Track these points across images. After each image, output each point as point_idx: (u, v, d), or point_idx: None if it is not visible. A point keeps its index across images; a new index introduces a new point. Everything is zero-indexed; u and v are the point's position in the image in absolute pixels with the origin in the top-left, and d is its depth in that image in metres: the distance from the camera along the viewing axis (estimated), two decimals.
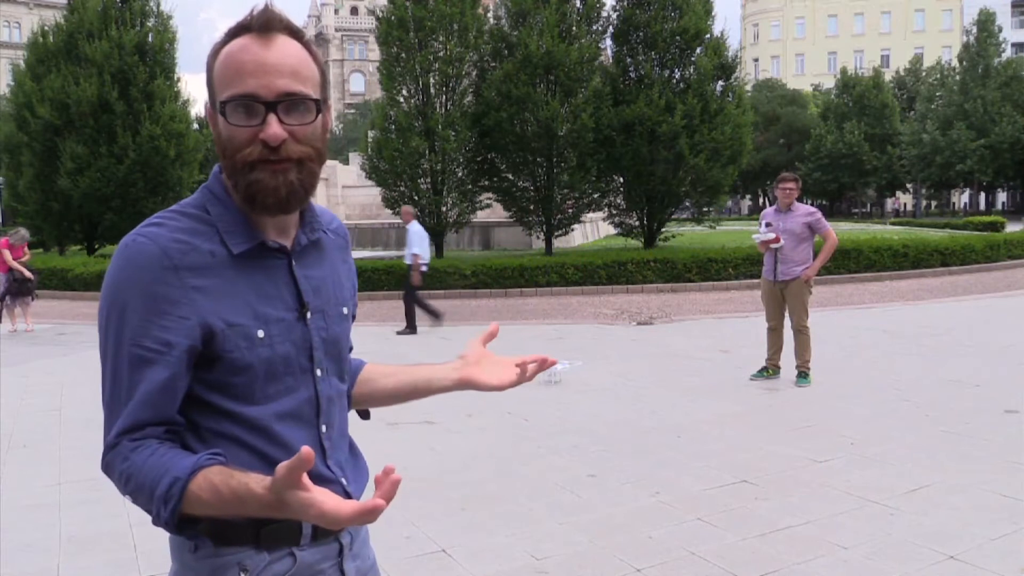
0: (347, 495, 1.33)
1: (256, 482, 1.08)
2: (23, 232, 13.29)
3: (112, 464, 1.18)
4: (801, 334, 7.16)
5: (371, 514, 1.02)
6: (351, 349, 1.52)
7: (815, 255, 7.24)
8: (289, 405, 1.24)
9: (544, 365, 1.46)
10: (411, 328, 11.13)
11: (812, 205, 8.18)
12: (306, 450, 0.99)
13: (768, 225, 7.21)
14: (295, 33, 1.22)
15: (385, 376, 1.51)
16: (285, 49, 1.19)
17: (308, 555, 1.29)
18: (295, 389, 1.26)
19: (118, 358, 1.18)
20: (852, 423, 5.90)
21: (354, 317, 1.46)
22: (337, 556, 1.34)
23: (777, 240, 7.08)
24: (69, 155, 21.06)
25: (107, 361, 1.20)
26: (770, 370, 7.39)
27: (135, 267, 1.17)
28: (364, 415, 1.56)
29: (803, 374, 7.16)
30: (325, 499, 1.03)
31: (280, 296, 1.26)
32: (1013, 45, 61.07)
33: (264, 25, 1.18)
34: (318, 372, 1.30)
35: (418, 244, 11.08)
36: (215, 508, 1.12)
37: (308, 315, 1.29)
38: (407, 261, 11.24)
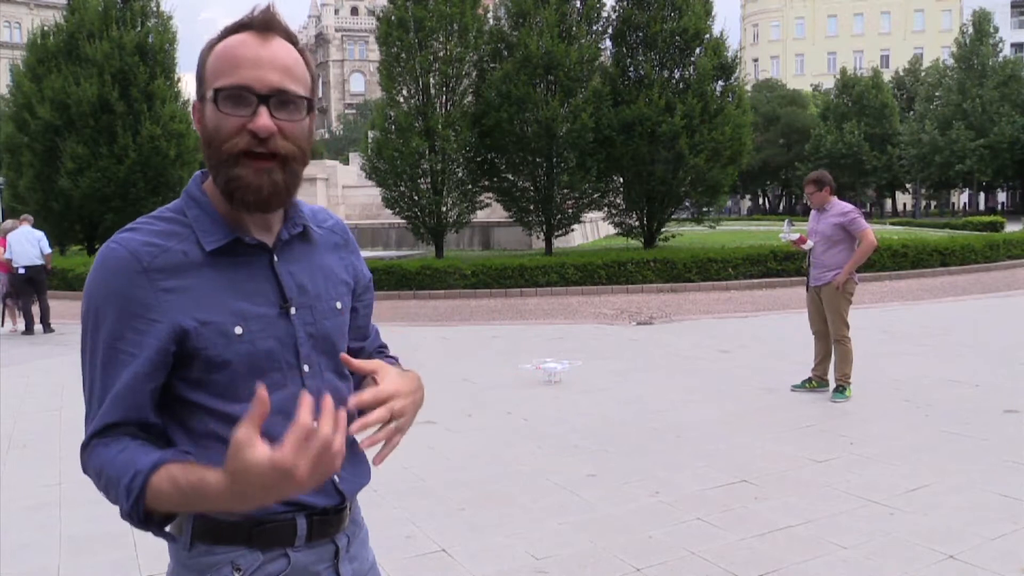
0: (338, 493, 1.32)
1: (213, 471, 1.07)
2: (6, 224, 13.39)
3: (87, 463, 1.22)
4: (839, 344, 6.58)
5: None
6: (383, 347, 1.54)
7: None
8: (275, 401, 1.22)
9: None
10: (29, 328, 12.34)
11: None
12: (261, 394, 1.01)
13: (792, 224, 6.81)
14: (291, 39, 1.26)
15: None
16: (281, 48, 1.23)
17: (303, 556, 1.29)
18: (282, 385, 1.26)
19: (94, 361, 1.22)
20: (852, 423, 5.90)
21: (356, 310, 1.45)
22: (333, 558, 1.34)
23: (803, 241, 6.70)
24: (69, 155, 21.06)
25: (85, 365, 1.25)
26: (813, 381, 6.84)
27: (107, 272, 1.21)
28: None
29: (840, 388, 6.55)
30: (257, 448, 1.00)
31: (261, 292, 1.26)
32: (1012, 45, 61.10)
33: (264, 24, 1.22)
34: (305, 368, 1.29)
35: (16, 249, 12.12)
36: (175, 501, 1.13)
37: (292, 311, 1.28)
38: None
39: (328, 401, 1.03)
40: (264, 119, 1.18)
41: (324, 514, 1.31)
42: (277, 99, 1.20)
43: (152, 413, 1.23)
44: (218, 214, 1.26)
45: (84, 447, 1.22)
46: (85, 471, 1.24)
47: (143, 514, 1.15)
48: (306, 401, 1.03)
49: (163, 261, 1.21)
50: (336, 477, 1.32)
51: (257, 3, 1.26)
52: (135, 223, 1.27)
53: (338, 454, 1.03)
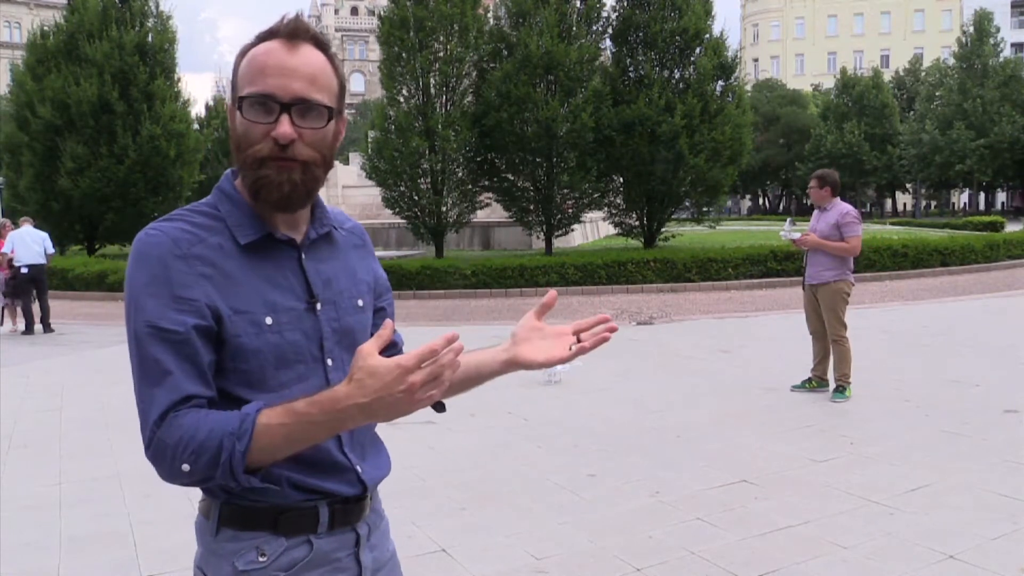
0: (361, 483, 1.36)
1: (335, 387, 1.16)
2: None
3: (163, 440, 1.18)
4: (837, 344, 6.58)
5: (430, 352, 1.11)
6: (399, 344, 1.51)
7: (854, 262, 6.79)
8: (301, 392, 1.27)
9: (603, 330, 1.43)
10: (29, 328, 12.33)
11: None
12: (388, 323, 1.19)
13: (794, 223, 6.88)
14: (321, 44, 1.30)
15: None
16: (307, 57, 1.27)
17: (325, 543, 1.33)
18: (307, 377, 1.30)
19: (143, 344, 1.21)
20: (852, 423, 5.90)
21: (384, 309, 1.49)
22: (354, 546, 1.38)
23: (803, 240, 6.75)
24: (69, 155, 21.07)
25: (133, 351, 1.23)
26: (813, 381, 6.84)
27: (147, 257, 1.23)
28: (438, 407, 1.51)
29: (840, 388, 6.54)
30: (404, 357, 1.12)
31: (290, 286, 1.31)
32: (1012, 45, 61.09)
33: (292, 32, 1.26)
34: (329, 361, 1.33)
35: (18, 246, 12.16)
36: (287, 431, 1.17)
37: (318, 306, 1.33)
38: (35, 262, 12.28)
39: (456, 336, 1.14)
40: (285, 127, 1.23)
41: (345, 503, 1.35)
42: (299, 107, 1.24)
43: (214, 390, 1.24)
44: (251, 210, 1.30)
45: (157, 424, 1.18)
46: (157, 451, 1.18)
47: (245, 460, 1.16)
48: (444, 336, 1.13)
49: (200, 250, 1.25)
50: (359, 468, 1.36)
51: (266, 9, 1.30)
52: (171, 215, 1.30)
53: (446, 382, 1.14)
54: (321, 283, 1.34)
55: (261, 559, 1.28)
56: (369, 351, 1.13)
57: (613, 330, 1.44)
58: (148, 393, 1.20)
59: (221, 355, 1.24)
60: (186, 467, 1.17)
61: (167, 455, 1.17)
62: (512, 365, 1.45)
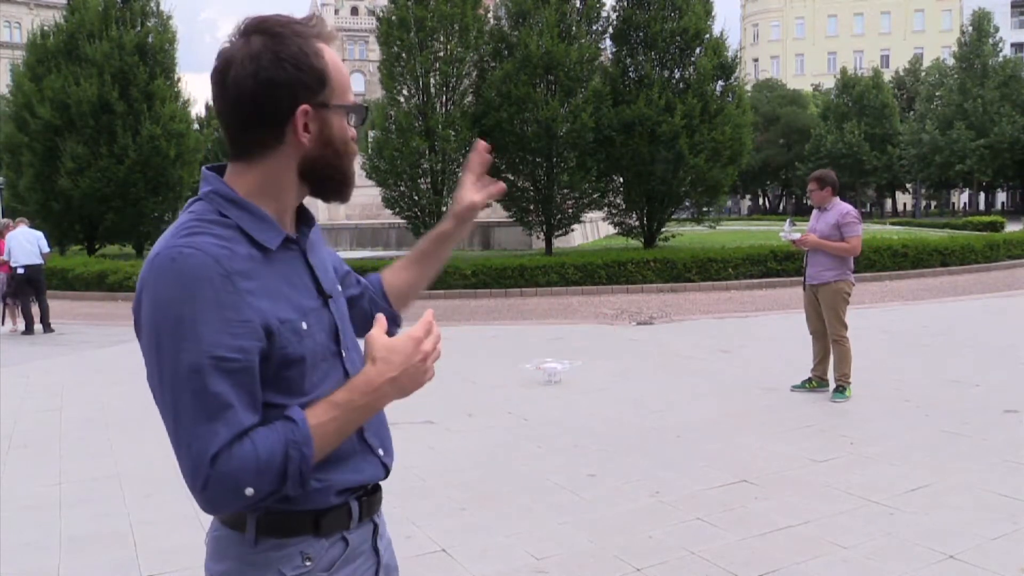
0: (384, 468, 1.41)
1: (363, 370, 1.26)
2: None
3: (223, 473, 1.14)
4: (837, 344, 6.57)
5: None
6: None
7: (854, 262, 6.76)
8: (328, 389, 1.28)
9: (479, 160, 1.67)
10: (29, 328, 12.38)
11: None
12: (380, 318, 1.31)
13: (793, 224, 6.91)
14: None
15: (404, 270, 1.69)
16: None
17: (355, 537, 1.37)
18: (330, 373, 1.32)
19: (201, 377, 1.14)
20: (852, 423, 5.90)
21: (358, 280, 1.61)
22: (372, 536, 1.42)
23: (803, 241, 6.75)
24: (69, 155, 21.08)
25: (185, 384, 1.15)
26: (813, 381, 6.83)
27: (192, 279, 1.15)
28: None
29: (840, 388, 6.53)
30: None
31: (305, 286, 1.32)
32: (1012, 45, 61.09)
33: (332, 38, 1.37)
34: (343, 353, 1.36)
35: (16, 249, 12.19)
36: (337, 424, 1.23)
37: (329, 301, 1.36)
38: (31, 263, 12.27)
39: (432, 313, 1.31)
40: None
41: (367, 493, 1.39)
42: None
43: (261, 415, 1.22)
44: (263, 212, 1.27)
45: (214, 460, 1.13)
46: (215, 486, 1.14)
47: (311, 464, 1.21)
48: (428, 312, 1.32)
49: (237, 264, 1.19)
50: (381, 451, 1.41)
51: (266, 9, 1.35)
52: (189, 229, 1.21)
53: (439, 351, 1.30)
54: (323, 278, 1.36)
55: (307, 564, 1.28)
56: (379, 334, 1.25)
57: (486, 157, 1.68)
58: (205, 428, 1.14)
59: (265, 368, 1.21)
60: (250, 491, 1.15)
61: (228, 486, 1.14)
62: (461, 216, 1.66)
